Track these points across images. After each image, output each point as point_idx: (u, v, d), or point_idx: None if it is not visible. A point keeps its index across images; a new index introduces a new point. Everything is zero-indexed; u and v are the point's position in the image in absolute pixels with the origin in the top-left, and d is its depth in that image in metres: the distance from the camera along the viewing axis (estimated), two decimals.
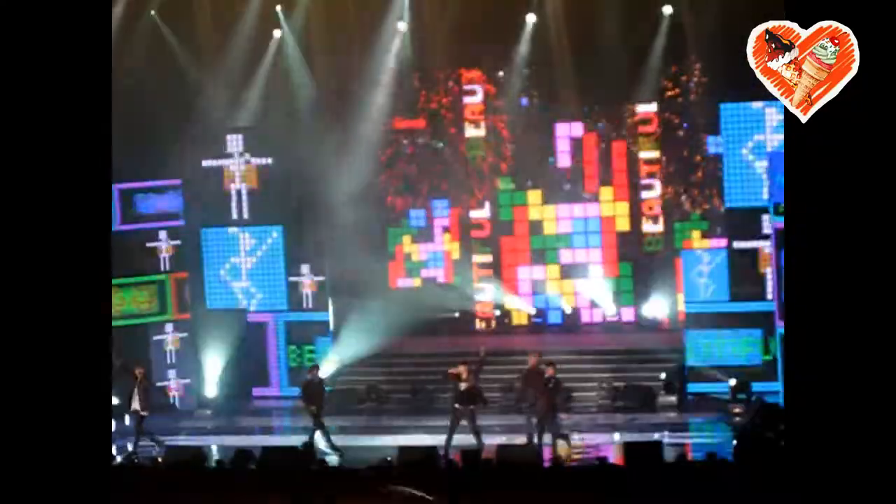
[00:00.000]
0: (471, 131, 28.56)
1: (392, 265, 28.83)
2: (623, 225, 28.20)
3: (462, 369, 21.15)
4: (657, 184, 27.85)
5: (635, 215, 28.06)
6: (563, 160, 28.20)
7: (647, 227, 28.03)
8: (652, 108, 27.60)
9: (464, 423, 21.05)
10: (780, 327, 23.01)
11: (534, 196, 28.47)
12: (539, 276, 28.56)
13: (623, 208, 28.14)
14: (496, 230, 28.70)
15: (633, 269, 28.17)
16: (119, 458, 20.58)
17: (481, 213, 28.78)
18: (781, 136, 24.58)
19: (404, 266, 28.87)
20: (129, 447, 21.61)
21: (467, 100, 28.49)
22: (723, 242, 26.07)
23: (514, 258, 28.68)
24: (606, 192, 28.16)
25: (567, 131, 28.14)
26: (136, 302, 26.41)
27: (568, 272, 28.45)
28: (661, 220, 27.95)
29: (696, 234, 27.31)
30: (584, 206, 28.25)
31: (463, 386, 21.05)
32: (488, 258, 28.68)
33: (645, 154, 27.81)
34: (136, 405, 22.08)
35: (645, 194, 27.96)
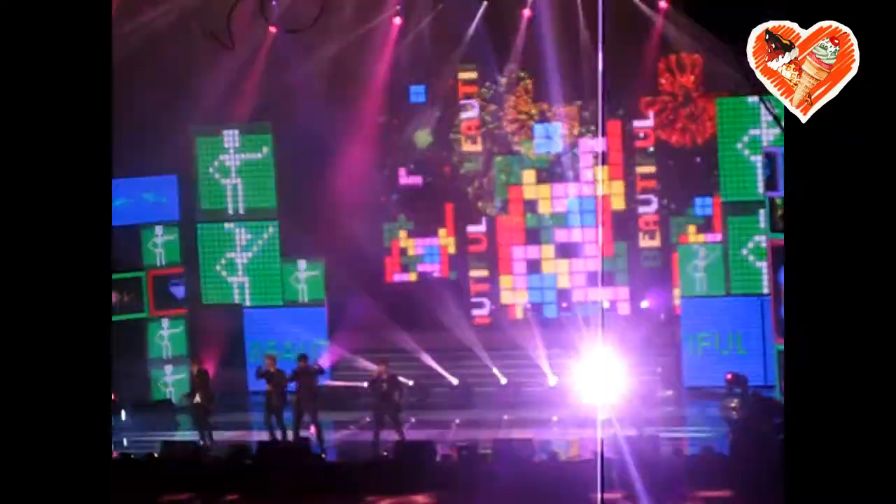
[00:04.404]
0: (467, 146, 28.57)
1: (388, 260, 28.85)
2: (618, 204, 28.00)
3: (382, 368, 21.42)
4: (654, 199, 27.82)
5: (630, 194, 27.91)
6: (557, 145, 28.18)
7: (644, 242, 27.98)
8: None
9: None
10: (779, 344, 22.92)
11: (528, 175, 28.42)
12: (534, 256, 28.50)
13: (618, 187, 27.88)
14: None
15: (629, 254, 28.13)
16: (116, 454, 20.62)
17: (478, 228, 28.77)
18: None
19: (400, 261, 28.88)
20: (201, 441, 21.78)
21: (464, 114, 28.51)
22: (717, 237, 26.17)
23: (509, 237, 28.60)
24: (601, 171, 27.87)
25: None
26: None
27: (563, 251, 28.38)
28: (657, 234, 27.89)
29: (691, 228, 27.35)
30: (579, 185, 28.13)
31: (385, 385, 21.27)
32: (484, 273, 28.58)
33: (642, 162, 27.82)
34: (198, 398, 22.29)
35: (642, 209, 27.90)
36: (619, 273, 27.99)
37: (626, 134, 27.65)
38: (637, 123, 27.56)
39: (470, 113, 28.40)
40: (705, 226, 27.13)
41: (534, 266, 28.38)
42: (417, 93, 28.31)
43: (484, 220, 28.51)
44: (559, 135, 27.87)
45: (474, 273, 28.52)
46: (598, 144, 27.54)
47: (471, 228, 28.57)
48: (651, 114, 27.44)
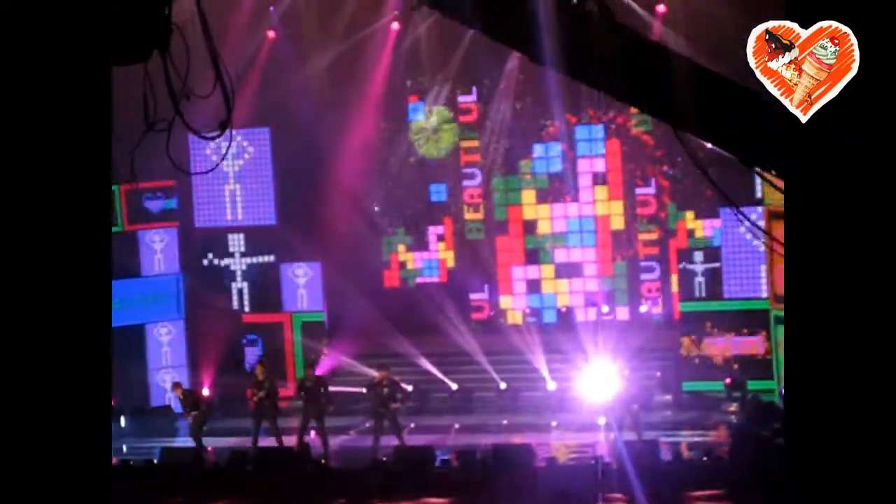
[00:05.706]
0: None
1: (387, 273, 28.80)
2: (617, 224, 28.05)
3: (384, 374, 21.39)
4: (656, 266, 27.71)
5: (629, 214, 27.91)
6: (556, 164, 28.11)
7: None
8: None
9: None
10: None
11: (528, 195, 28.41)
12: (534, 276, 28.49)
13: (617, 207, 27.94)
14: (490, 230, 28.59)
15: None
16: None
17: (469, 98, 28.40)
18: None
19: (399, 274, 28.83)
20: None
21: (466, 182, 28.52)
22: (716, 223, 26.02)
23: (509, 258, 28.62)
24: (601, 192, 28.05)
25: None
26: None
27: (562, 271, 28.39)
28: (660, 301, 27.71)
29: (689, 214, 27.20)
30: (579, 205, 28.15)
31: (386, 391, 21.23)
32: (475, 142, 28.26)
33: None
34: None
35: (644, 276, 27.80)
36: (619, 293, 27.95)
37: (625, 136, 27.66)
38: (639, 190, 27.54)
39: (472, 181, 28.39)
40: (703, 212, 26.96)
41: (533, 286, 28.33)
42: (415, 109, 28.32)
43: (486, 287, 28.47)
44: (558, 153, 27.83)
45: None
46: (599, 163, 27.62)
47: (474, 296, 28.51)
48: (653, 180, 27.41)
